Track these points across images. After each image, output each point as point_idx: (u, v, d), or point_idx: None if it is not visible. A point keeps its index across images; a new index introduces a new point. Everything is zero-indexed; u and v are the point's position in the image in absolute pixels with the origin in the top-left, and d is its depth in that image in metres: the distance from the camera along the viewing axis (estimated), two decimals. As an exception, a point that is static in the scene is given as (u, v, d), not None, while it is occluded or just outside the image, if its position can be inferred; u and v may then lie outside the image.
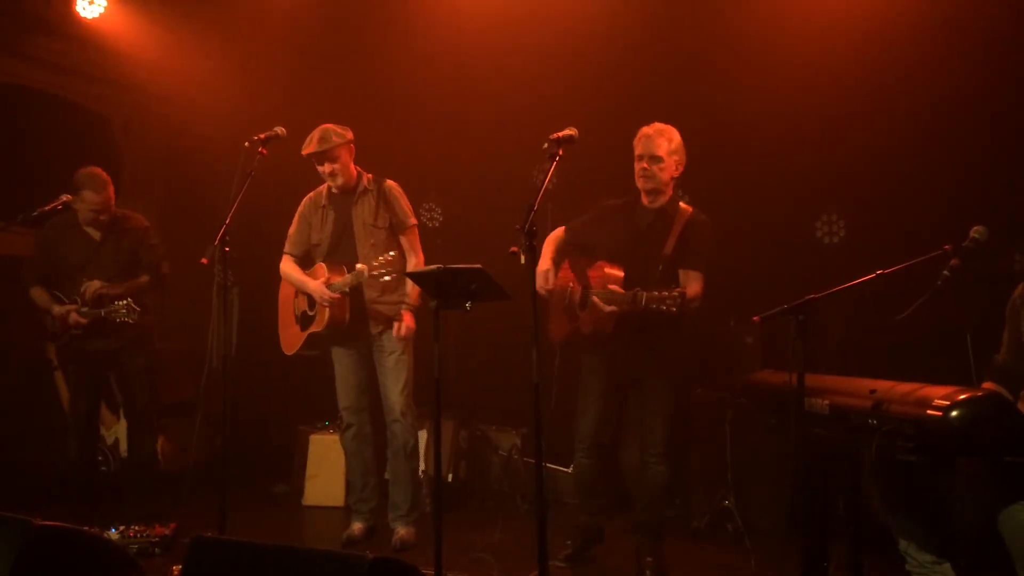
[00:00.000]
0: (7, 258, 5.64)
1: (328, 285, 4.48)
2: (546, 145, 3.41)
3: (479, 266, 3.41)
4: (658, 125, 4.06)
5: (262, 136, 4.17)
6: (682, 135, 4.13)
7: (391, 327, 4.64)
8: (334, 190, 4.71)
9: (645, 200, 4.10)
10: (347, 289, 4.47)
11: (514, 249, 3.14)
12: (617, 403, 4.21)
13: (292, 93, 6.28)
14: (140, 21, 6.14)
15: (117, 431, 5.80)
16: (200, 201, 6.21)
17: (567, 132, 3.46)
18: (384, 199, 4.67)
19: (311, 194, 4.83)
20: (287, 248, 4.84)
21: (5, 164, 5.78)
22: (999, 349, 3.50)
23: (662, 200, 4.08)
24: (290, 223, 4.87)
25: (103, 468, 5.68)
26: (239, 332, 6.29)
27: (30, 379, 5.77)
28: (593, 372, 4.17)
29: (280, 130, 4.22)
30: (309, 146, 4.54)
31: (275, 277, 4.96)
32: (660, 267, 3.89)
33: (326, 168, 4.59)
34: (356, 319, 4.61)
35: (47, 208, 4.56)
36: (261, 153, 4.13)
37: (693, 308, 3.91)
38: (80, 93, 6.36)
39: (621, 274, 3.92)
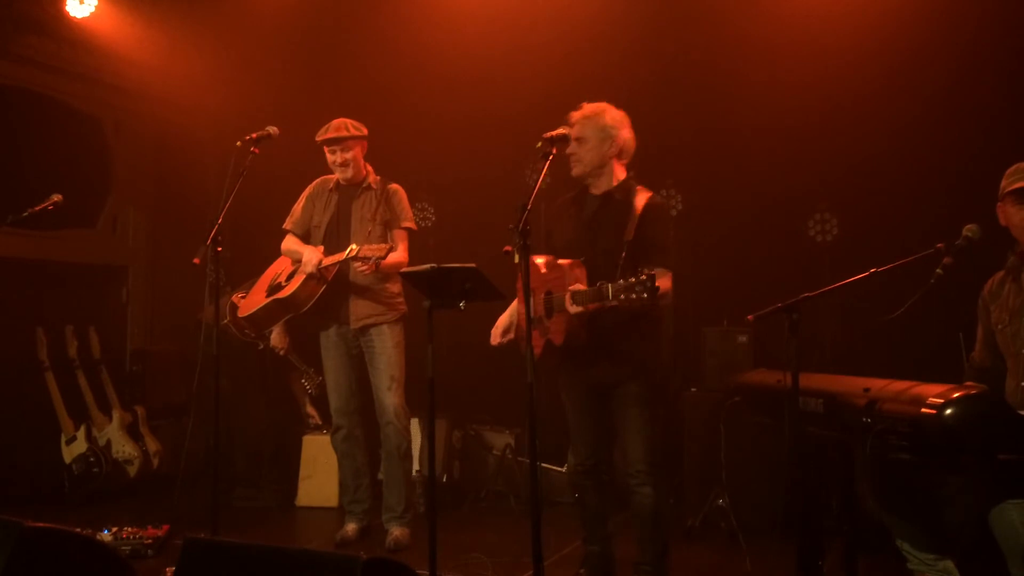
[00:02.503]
0: (-3, 259, 5.62)
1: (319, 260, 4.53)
2: (539, 144, 3.39)
3: (473, 265, 3.41)
4: (587, 107, 3.75)
5: (254, 136, 4.17)
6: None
7: (377, 324, 4.65)
8: (342, 182, 4.75)
9: (591, 188, 3.80)
10: (335, 264, 4.49)
11: (508, 248, 3.13)
12: (600, 411, 3.82)
13: (284, 93, 6.26)
14: (131, 21, 6.11)
15: (109, 432, 5.78)
16: (191, 201, 6.19)
17: (560, 131, 3.45)
18: (386, 198, 4.70)
19: (322, 178, 4.87)
20: (288, 225, 4.86)
21: (-5, 164, 5.75)
22: (974, 348, 3.52)
23: (606, 185, 3.75)
24: (282, 224, 4.87)
25: (95, 470, 5.66)
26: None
27: (20, 381, 5.74)
28: (571, 387, 3.85)
29: (272, 129, 4.22)
30: (325, 133, 4.62)
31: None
32: (623, 254, 3.54)
33: (337, 158, 4.64)
34: (338, 307, 4.64)
35: (37, 209, 4.54)
36: (253, 153, 4.13)
37: (664, 305, 3.66)
38: (70, 93, 6.33)
39: (583, 270, 3.55)
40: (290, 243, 4.82)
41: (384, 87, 6.20)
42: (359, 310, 4.64)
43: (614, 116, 3.73)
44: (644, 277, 3.17)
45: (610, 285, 3.24)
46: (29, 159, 5.88)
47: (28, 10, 5.83)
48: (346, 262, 4.39)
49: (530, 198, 3.16)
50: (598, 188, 3.77)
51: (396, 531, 4.67)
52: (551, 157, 3.37)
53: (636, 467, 3.67)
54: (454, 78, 6.09)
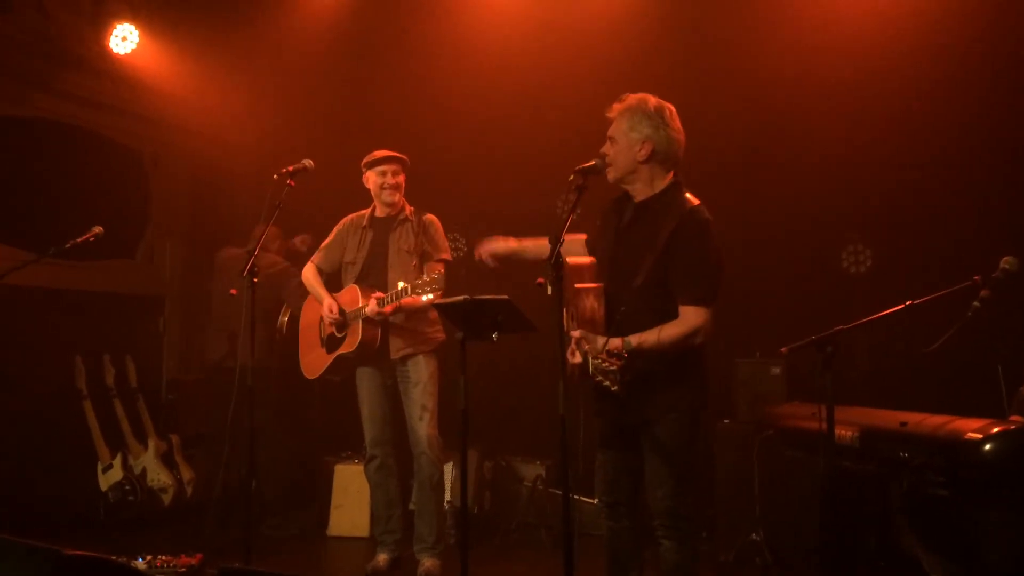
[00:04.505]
0: (38, 290, 5.72)
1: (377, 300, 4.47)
2: (572, 177, 3.38)
3: (506, 297, 3.42)
4: (627, 99, 3.33)
5: (290, 169, 4.22)
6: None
7: (414, 354, 4.66)
8: (378, 213, 4.79)
9: (631, 194, 3.37)
10: (394, 303, 4.42)
11: (540, 280, 3.12)
12: (624, 448, 3.35)
13: (319, 126, 6.36)
14: (171, 57, 6.25)
15: (144, 460, 5.84)
16: (228, 233, 6.28)
17: (593, 163, 3.45)
18: (424, 230, 4.73)
19: (353, 215, 4.90)
20: (315, 258, 4.90)
21: (38, 197, 5.87)
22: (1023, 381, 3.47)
23: (644, 193, 3.32)
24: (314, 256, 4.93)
25: (130, 498, 5.71)
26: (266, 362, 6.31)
27: (59, 409, 5.82)
28: (598, 415, 3.41)
29: (308, 163, 4.27)
30: (375, 155, 4.68)
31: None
32: (639, 281, 3.14)
33: (389, 179, 4.69)
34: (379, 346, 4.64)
35: (79, 240, 4.63)
36: (289, 185, 4.18)
37: (696, 344, 3.17)
38: (111, 127, 6.47)
39: (598, 304, 3.15)
40: (309, 276, 4.84)
41: (416, 120, 6.28)
42: (397, 343, 4.66)
43: (649, 111, 3.26)
44: (617, 365, 2.84)
45: (591, 362, 2.93)
46: (71, 192, 6.01)
47: (71, 47, 5.98)
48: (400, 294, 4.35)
49: (562, 230, 3.15)
50: (637, 196, 3.35)
51: (427, 562, 4.65)
52: (583, 190, 3.34)
53: (660, 519, 3.25)
54: (486, 110, 6.15)
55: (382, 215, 4.78)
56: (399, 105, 6.39)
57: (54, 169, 6.04)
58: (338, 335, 4.70)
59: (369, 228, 4.81)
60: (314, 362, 4.85)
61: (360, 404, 4.82)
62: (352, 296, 4.63)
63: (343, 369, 4.79)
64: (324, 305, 4.66)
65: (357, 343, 4.56)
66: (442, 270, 4.64)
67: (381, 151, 4.72)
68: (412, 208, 4.81)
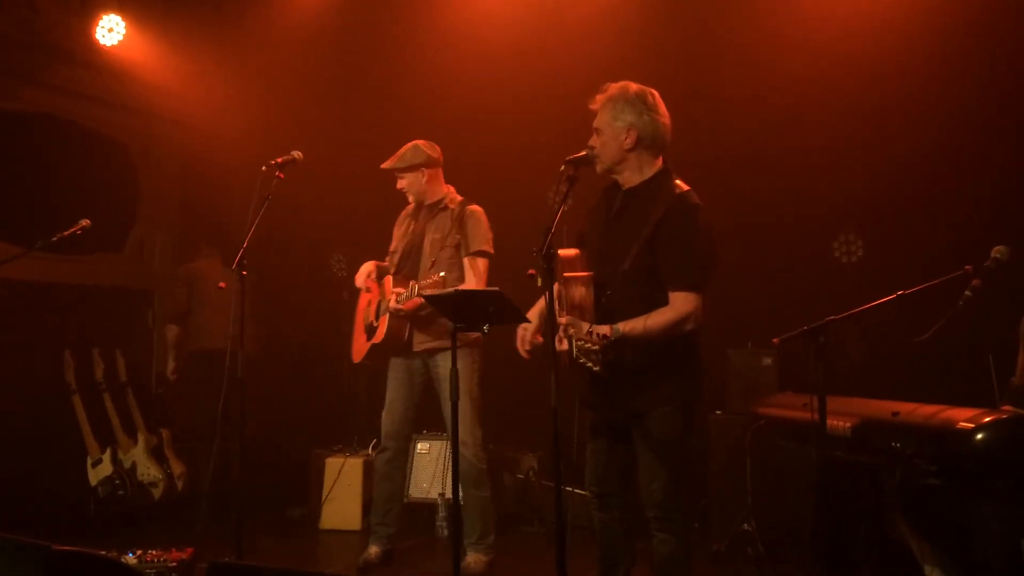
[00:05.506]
0: (27, 283, 5.69)
1: (396, 296, 4.46)
2: (563, 167, 3.37)
3: (496, 289, 3.41)
4: (609, 89, 3.30)
5: (279, 160, 4.20)
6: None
7: (441, 349, 4.56)
8: (416, 205, 4.79)
9: (620, 182, 3.35)
10: (413, 300, 4.36)
11: (532, 272, 3.11)
12: (615, 439, 3.34)
13: (309, 118, 6.33)
14: (158, 48, 6.21)
15: (134, 455, 5.81)
16: (217, 226, 6.25)
17: (583, 153, 3.43)
18: (460, 220, 4.64)
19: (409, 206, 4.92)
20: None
21: (25, 190, 5.83)
22: (1015, 372, 3.47)
23: (633, 180, 3.29)
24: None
25: (120, 493, 5.68)
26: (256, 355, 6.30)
27: (48, 403, 5.79)
28: (589, 406, 3.38)
29: (297, 154, 4.25)
30: (386, 161, 4.69)
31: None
32: (626, 265, 3.11)
33: (397, 184, 4.71)
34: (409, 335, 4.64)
35: (66, 233, 4.59)
36: (278, 177, 4.16)
37: (688, 332, 3.13)
38: (99, 120, 6.43)
39: (587, 291, 3.15)
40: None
41: (407, 112, 6.24)
42: (420, 336, 4.60)
43: (631, 98, 3.25)
44: (598, 335, 2.85)
45: (575, 343, 2.91)
46: (58, 185, 5.97)
47: (58, 39, 5.93)
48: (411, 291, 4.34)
49: (553, 221, 3.14)
50: (626, 183, 3.32)
51: (468, 557, 4.54)
52: (574, 180, 3.32)
53: (654, 511, 3.21)
54: (477, 100, 6.13)
55: (423, 206, 4.76)
56: (390, 96, 6.36)
57: (42, 162, 5.99)
58: (375, 324, 4.70)
59: (413, 217, 4.81)
60: (358, 348, 4.87)
61: (387, 395, 4.77)
62: (387, 287, 4.62)
63: (379, 357, 4.78)
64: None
65: (383, 335, 4.55)
66: (486, 264, 4.56)
67: (387, 161, 4.67)
68: (459, 198, 4.74)
